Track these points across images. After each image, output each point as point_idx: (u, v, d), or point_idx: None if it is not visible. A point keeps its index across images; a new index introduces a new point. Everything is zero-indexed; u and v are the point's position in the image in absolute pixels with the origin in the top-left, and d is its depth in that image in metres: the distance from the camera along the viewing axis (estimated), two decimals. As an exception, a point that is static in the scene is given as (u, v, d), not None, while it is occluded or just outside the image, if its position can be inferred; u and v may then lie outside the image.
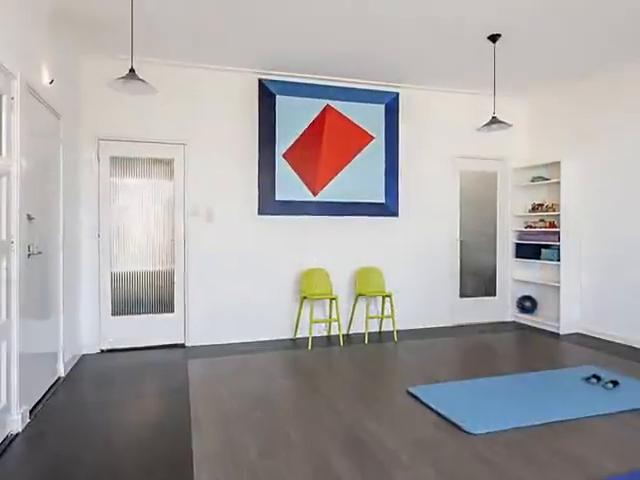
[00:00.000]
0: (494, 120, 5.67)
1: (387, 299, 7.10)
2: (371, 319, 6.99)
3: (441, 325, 7.46)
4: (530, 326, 7.45)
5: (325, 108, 6.74)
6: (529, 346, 6.20)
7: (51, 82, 4.61)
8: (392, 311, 6.61)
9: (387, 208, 7.02)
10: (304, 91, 6.65)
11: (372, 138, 6.94)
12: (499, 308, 7.84)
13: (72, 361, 5.45)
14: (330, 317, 6.80)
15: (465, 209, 7.62)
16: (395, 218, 7.17)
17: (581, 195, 7.00)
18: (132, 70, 4.27)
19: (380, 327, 7.15)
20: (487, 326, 7.48)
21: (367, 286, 6.90)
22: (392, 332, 6.98)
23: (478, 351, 5.98)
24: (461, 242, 7.60)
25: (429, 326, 7.40)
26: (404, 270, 7.28)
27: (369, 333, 6.95)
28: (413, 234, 7.31)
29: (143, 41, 5.53)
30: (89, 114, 5.95)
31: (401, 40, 5.51)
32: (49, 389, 4.64)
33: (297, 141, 6.63)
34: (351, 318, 6.95)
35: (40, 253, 4.36)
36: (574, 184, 6.99)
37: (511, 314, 7.89)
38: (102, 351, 6.04)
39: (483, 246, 7.76)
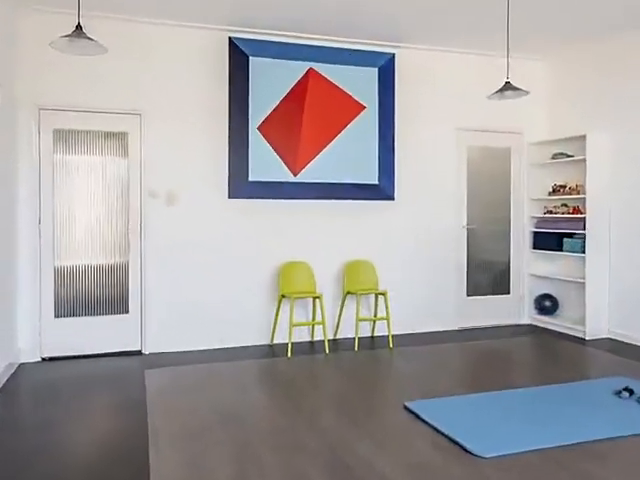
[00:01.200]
0: (508, 86, 5.70)
1: (381, 298, 7.20)
2: (362, 322, 7.08)
3: (445, 328, 7.58)
4: (550, 330, 7.56)
5: (307, 72, 6.82)
6: (549, 353, 6.29)
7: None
8: (387, 312, 6.70)
9: (381, 190, 7.12)
10: (283, 52, 6.72)
11: (363, 108, 7.03)
12: (513, 308, 7.99)
13: (8, 371, 5.50)
14: (313, 319, 6.90)
15: (473, 191, 7.73)
16: (391, 202, 7.27)
17: (611, 175, 7.09)
18: (79, 27, 4.28)
19: (372, 331, 7.26)
20: (499, 330, 7.61)
21: (357, 282, 7.00)
22: (387, 337, 7.07)
23: (488, 359, 6.06)
24: (469, 230, 7.71)
25: (431, 330, 7.52)
26: (401, 263, 7.39)
27: (359, 338, 7.04)
28: (412, 221, 7.42)
29: (89, -8, 5.55)
30: (28, 79, 5.98)
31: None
32: (-20, 403, 4.67)
33: (274, 111, 6.71)
34: (338, 320, 7.06)
35: (-32, 243, 4.40)
36: (603, 162, 7.08)
37: (528, 315, 8.04)
38: (43, 359, 6.10)
39: (495, 235, 7.89)
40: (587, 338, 7.03)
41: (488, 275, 7.86)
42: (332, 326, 7.10)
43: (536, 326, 7.83)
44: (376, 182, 7.10)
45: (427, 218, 7.49)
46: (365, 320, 6.92)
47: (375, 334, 7.27)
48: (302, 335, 6.97)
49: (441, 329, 7.57)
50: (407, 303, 7.42)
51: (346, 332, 7.13)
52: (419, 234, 7.47)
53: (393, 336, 7.13)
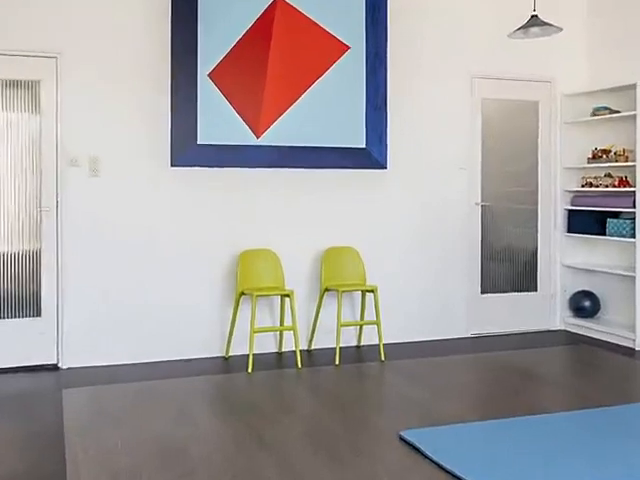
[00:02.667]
0: (534, 21, 5.74)
1: (369, 296, 7.18)
2: (345, 327, 7.09)
3: (452, 336, 7.65)
4: (590, 338, 7.62)
5: (274, 2, 6.79)
6: (588, 368, 6.36)
7: None
8: (377, 315, 6.77)
9: (370, 156, 7.14)
10: (242, -25, 6.67)
11: (346, 49, 7.04)
12: (542, 310, 8.08)
13: None
14: (282, 324, 6.95)
15: (490, 158, 7.79)
16: (382, 172, 7.30)
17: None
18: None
19: (359, 339, 7.33)
20: (523, 338, 7.69)
21: (339, 277, 7.04)
22: (377, 347, 7.00)
23: (509, 376, 6.11)
24: (484, 209, 7.78)
25: (434, 338, 7.58)
26: (396, 252, 7.43)
27: (342, 348, 6.99)
28: (410, 196, 7.47)
29: None
30: None
31: None
32: None
33: (231, 53, 6.68)
34: (314, 325, 7.12)
35: None
36: (658, 119, 7.07)
37: (560, 319, 8.12)
38: None
39: (517, 215, 7.97)
40: (638, 348, 7.08)
41: (509, 267, 7.92)
42: (306, 333, 7.16)
43: (571, 333, 7.91)
44: (363, 146, 7.12)
45: (429, 193, 7.54)
46: (349, 325, 7.02)
47: (362, 343, 7.33)
48: (267, 345, 7.02)
49: (448, 336, 7.64)
50: (403, 303, 7.47)
51: (324, 340, 7.16)
52: (418, 213, 7.51)
53: (385, 346, 7.06)
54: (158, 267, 6.68)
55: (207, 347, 6.85)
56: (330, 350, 7.00)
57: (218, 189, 6.82)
